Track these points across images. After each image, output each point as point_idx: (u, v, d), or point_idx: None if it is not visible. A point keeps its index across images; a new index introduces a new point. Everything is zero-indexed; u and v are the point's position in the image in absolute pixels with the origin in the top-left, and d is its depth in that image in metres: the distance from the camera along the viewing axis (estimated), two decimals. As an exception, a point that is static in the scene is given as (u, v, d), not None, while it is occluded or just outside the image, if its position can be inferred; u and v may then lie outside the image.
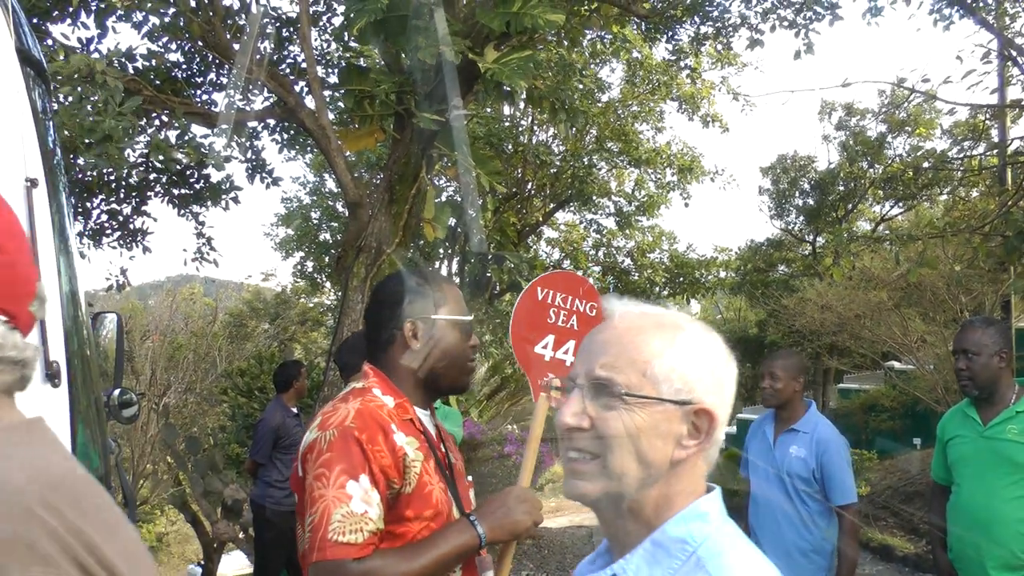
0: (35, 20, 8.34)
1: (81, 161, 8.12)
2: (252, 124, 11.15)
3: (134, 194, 10.62)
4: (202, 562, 14.68)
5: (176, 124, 9.29)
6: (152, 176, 10.55)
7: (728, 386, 1.53)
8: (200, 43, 9.65)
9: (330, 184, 21.01)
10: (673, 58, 15.65)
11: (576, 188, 18.61)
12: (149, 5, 8.57)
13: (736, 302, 28.97)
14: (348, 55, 11.55)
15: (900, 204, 23.62)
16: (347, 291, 8.77)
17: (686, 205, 21.62)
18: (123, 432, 20.92)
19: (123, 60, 9.21)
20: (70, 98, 6.70)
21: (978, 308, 13.97)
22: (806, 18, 11.60)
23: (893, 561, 12.26)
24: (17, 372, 1.46)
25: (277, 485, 8.08)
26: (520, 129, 19.03)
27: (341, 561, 2.19)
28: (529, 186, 19.72)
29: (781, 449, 4.93)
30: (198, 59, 10.62)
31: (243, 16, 9.71)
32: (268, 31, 10.40)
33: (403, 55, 8.68)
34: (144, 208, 10.91)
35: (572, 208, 21.61)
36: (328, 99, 11.12)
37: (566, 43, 11.48)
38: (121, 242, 10.93)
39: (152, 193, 10.87)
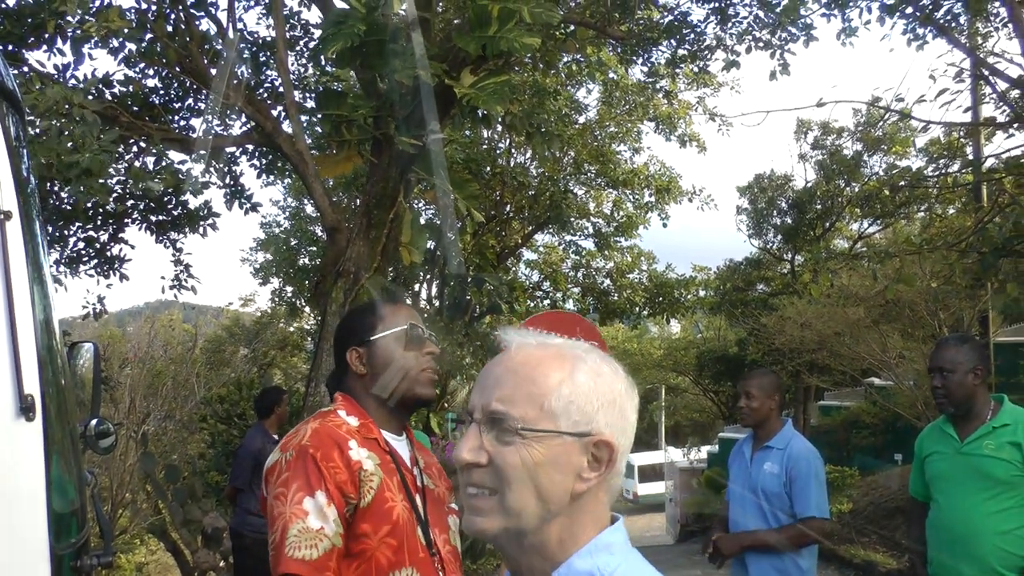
0: (10, 47, 8.30)
1: (59, 190, 8.08)
2: (230, 149, 11.13)
3: (111, 221, 10.55)
4: (183, 592, 14.59)
5: (154, 150, 9.27)
6: (130, 203, 10.50)
7: (629, 415, 1.52)
8: (177, 69, 9.64)
9: (309, 209, 21.00)
10: (649, 80, 15.73)
11: (554, 210, 18.66)
12: (126, 32, 8.53)
13: (716, 321, 29.01)
14: (325, 79, 11.56)
15: (877, 222, 23.75)
16: (326, 316, 8.74)
17: (664, 225, 21.58)
18: (101, 462, 20.78)
19: (100, 87, 9.18)
20: (47, 131, 6.66)
21: (956, 324, 14.05)
22: (781, 39, 11.70)
23: (876, 577, 12.27)
24: None
25: (257, 513, 7.98)
26: (498, 152, 19.06)
27: None
28: (508, 208, 19.76)
29: (756, 467, 4.93)
30: (176, 84, 10.59)
31: (220, 41, 9.71)
32: (245, 56, 10.40)
33: (380, 79, 8.69)
34: (121, 235, 10.83)
35: (551, 230, 21.67)
36: (306, 124, 11.12)
37: (542, 66, 11.53)
38: (98, 270, 10.85)
39: (129, 220, 10.78)
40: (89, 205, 9.86)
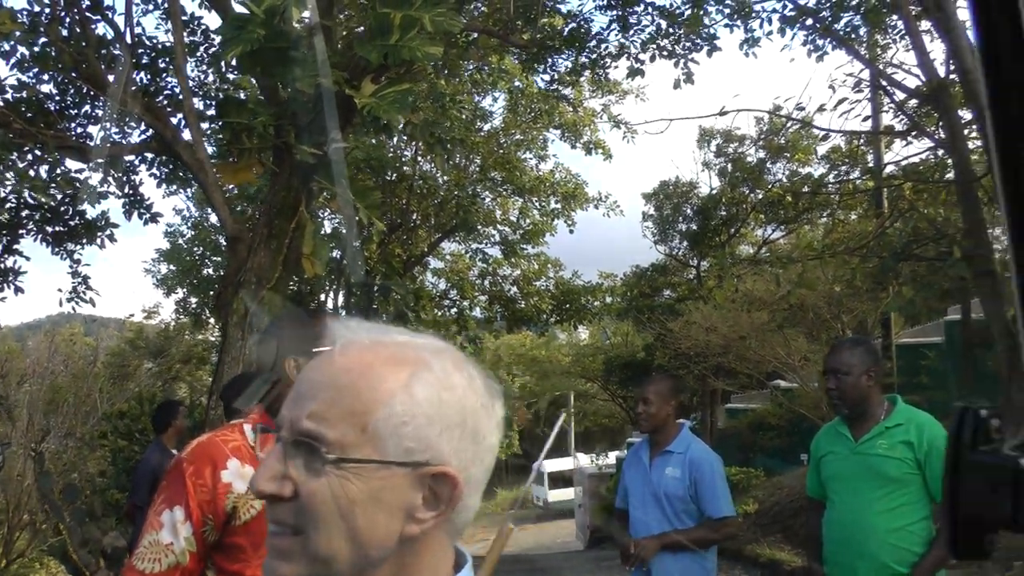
0: None
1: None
2: (129, 158, 10.91)
3: (4, 232, 10.29)
4: (85, 616, 14.26)
5: (49, 158, 9.07)
6: (24, 213, 10.26)
7: (487, 437, 1.23)
8: (73, 74, 9.44)
9: (213, 219, 20.72)
10: (552, 87, 15.82)
11: (461, 218, 18.65)
12: (18, 35, 8.36)
13: (623, 327, 29.18)
14: (226, 87, 11.42)
15: (781, 228, 24.11)
16: (227, 327, 8.63)
17: (571, 232, 21.69)
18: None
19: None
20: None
21: (859, 326, 14.35)
22: (685, 48, 11.86)
23: (781, 575, 12.46)
24: None
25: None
26: (404, 159, 19.01)
27: None
28: (414, 216, 19.72)
29: (656, 471, 4.99)
30: (72, 90, 10.36)
31: (117, 46, 9.53)
32: (143, 61, 10.22)
33: (281, 87, 8.61)
34: (16, 247, 10.58)
35: (457, 238, 21.67)
36: (207, 132, 10.97)
37: (445, 73, 11.54)
38: (-8, 281, 10.59)
39: (24, 231, 10.54)
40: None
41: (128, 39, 9.57)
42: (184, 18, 10.39)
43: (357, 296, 17.35)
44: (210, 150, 10.17)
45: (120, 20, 9.74)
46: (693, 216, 24.67)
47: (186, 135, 9.24)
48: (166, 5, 10.70)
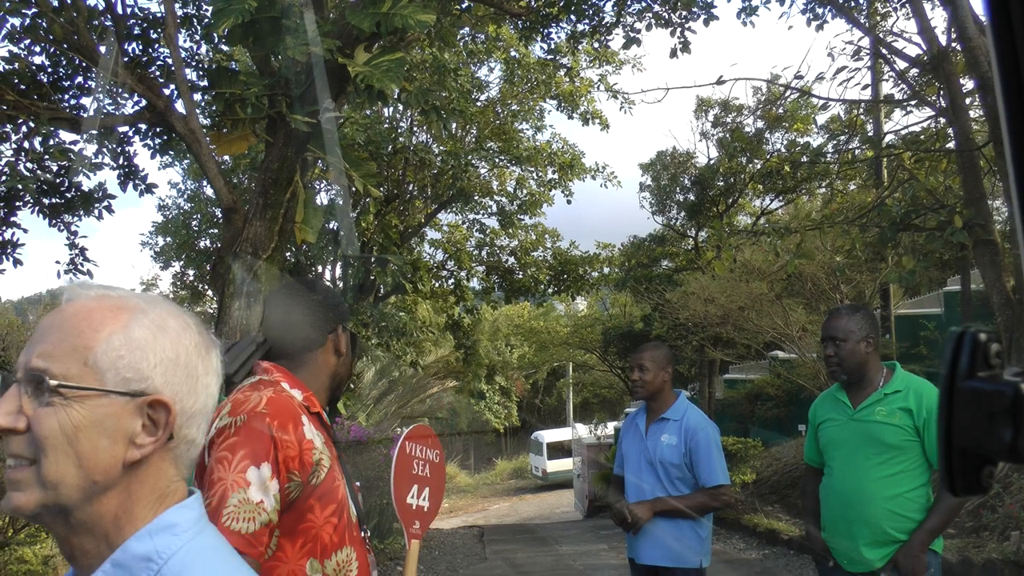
0: None
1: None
2: (122, 129, 10.86)
3: (1, 204, 10.27)
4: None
5: (42, 130, 9.01)
6: (20, 185, 10.23)
7: (202, 376, 1.37)
8: (64, 46, 9.36)
9: (209, 191, 20.67)
10: (550, 57, 15.74)
11: (457, 188, 18.59)
12: (8, 5, 8.30)
13: (621, 298, 29.20)
14: (218, 57, 11.35)
15: (780, 198, 24.07)
16: (224, 298, 8.61)
17: (568, 203, 21.62)
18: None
19: (-18, 64, 8.91)
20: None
21: (858, 297, 14.37)
22: (681, 17, 11.77)
23: (778, 544, 12.52)
24: None
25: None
26: (400, 131, 18.94)
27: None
28: (411, 187, 19.66)
29: (652, 439, 5.00)
30: (64, 62, 10.29)
31: (108, 17, 9.45)
32: (135, 32, 10.15)
33: (274, 57, 8.56)
34: (13, 219, 10.55)
35: (454, 209, 21.61)
36: (199, 102, 10.90)
37: (439, 43, 11.45)
38: (-11, 253, 10.57)
39: (21, 203, 10.52)
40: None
41: (119, 9, 9.49)
42: (177, -12, 10.32)
43: (354, 267, 17.34)
44: (203, 121, 10.13)
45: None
46: (691, 186, 24.62)
47: (179, 106, 9.18)
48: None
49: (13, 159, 9.63)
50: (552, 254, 22.57)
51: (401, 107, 17.49)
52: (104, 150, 10.72)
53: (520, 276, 22.03)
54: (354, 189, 9.24)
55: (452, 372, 31.37)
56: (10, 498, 1.26)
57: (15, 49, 9.71)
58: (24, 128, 9.68)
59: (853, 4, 11.82)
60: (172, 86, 9.67)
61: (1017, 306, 9.38)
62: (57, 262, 10.97)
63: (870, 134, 14.46)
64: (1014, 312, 9.34)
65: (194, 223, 22.19)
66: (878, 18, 12.74)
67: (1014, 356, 9.06)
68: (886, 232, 9.77)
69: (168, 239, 22.80)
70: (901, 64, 11.60)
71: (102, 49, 9.09)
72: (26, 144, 9.80)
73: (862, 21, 11.74)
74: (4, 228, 10.51)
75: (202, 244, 21.85)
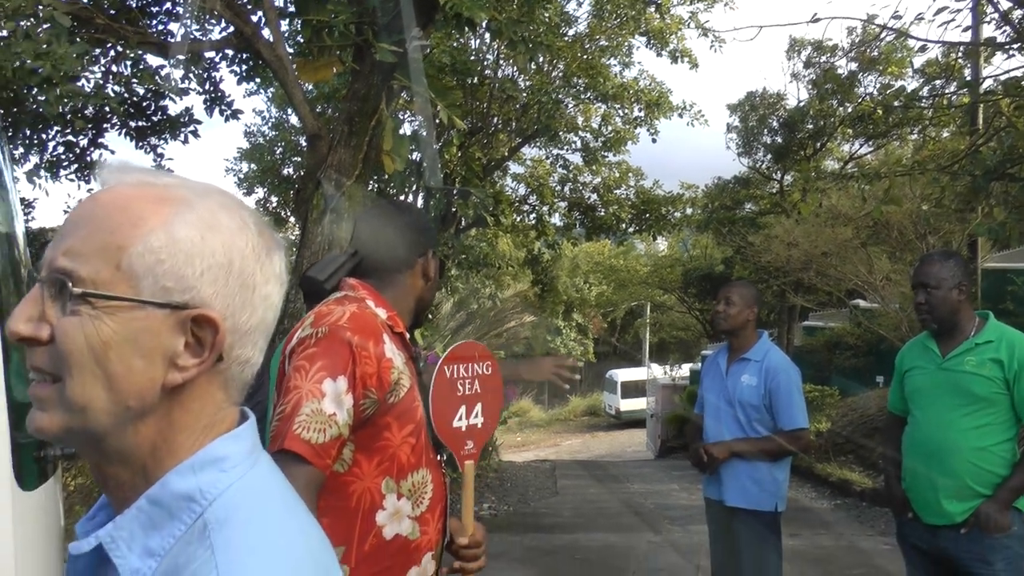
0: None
1: (36, 93, 7.91)
2: (209, 55, 10.96)
3: (90, 126, 10.42)
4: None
5: (131, 54, 9.09)
6: (108, 108, 10.38)
7: (262, 287, 1.16)
8: (154, -29, 9.42)
9: (293, 120, 20.77)
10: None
11: (542, 123, 18.43)
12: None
13: (703, 240, 28.98)
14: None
15: (869, 143, 23.63)
16: (307, 224, 8.66)
17: (653, 141, 21.31)
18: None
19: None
20: (13, 33, 6.50)
21: (945, 247, 14.05)
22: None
23: (851, 496, 12.44)
24: None
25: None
26: (486, 63, 18.82)
27: (297, 456, 2.11)
28: (495, 120, 19.55)
29: (733, 378, 4.95)
30: (153, -13, 10.40)
31: (199, -57, 9.47)
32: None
33: (361, -17, 8.51)
34: (101, 140, 10.72)
35: (538, 143, 21.47)
36: (287, 30, 10.92)
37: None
38: (79, 175, 10.75)
39: (109, 125, 10.68)
40: (67, 109, 9.75)
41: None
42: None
43: (437, 199, 17.36)
44: (289, 49, 10.14)
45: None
46: (779, 129, 24.28)
47: (266, 32, 9.19)
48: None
49: (101, 82, 9.73)
50: (635, 193, 22.35)
51: (488, 38, 17.32)
52: (191, 75, 10.82)
53: (602, 213, 21.86)
54: (438, 121, 9.21)
55: (529, 307, 31.42)
56: (32, 417, 1.09)
57: (106, -27, 9.80)
58: (113, 52, 9.78)
59: (956, -61, 11.40)
60: (260, 12, 9.68)
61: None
62: (143, 184, 11.13)
63: (968, 78, 14.03)
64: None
65: (278, 150, 22.35)
66: (983, -46, 12.30)
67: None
68: (978, 181, 9.48)
69: (252, 166, 23.01)
70: (1005, 4, 11.20)
71: (191, -26, 9.13)
72: (114, 68, 9.91)
73: (965, -43, 11.33)
74: (92, 149, 10.69)
75: (285, 172, 22.04)
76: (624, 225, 22.11)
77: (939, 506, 4.09)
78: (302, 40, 9.55)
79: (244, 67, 11.74)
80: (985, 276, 14.93)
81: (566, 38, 18.85)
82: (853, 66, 21.74)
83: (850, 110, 22.20)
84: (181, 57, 9.66)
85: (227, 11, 8.84)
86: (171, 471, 1.09)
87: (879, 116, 19.55)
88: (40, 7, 6.55)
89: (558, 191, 22.41)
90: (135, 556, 1.06)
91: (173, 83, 9.81)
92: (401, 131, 9.73)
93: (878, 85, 21.47)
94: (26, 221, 11.12)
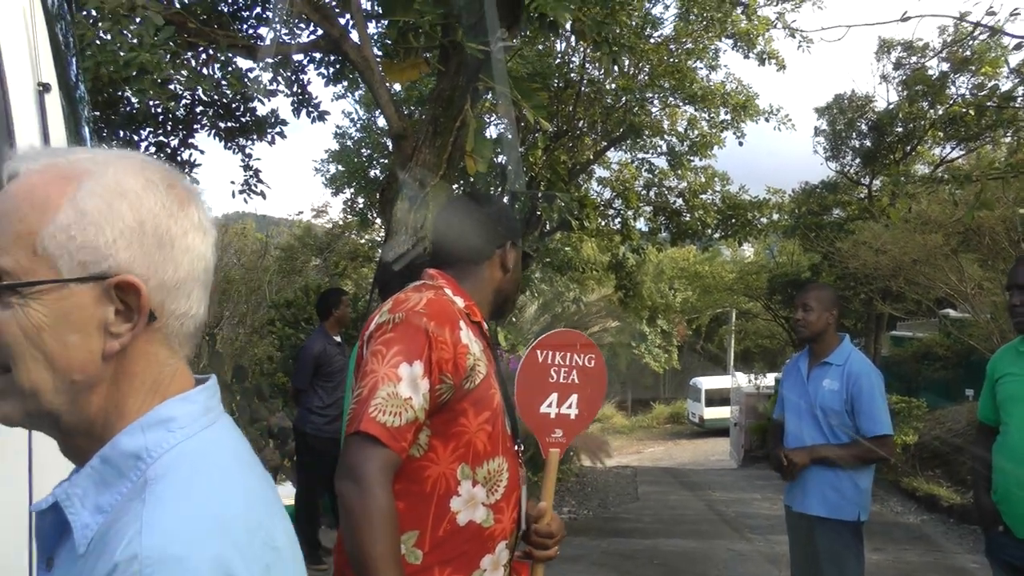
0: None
1: (129, 96, 8.10)
2: (297, 57, 11.13)
3: (180, 127, 10.66)
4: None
5: (221, 57, 9.26)
6: (199, 109, 10.59)
7: (178, 239, 1.17)
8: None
9: (381, 122, 20.98)
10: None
11: (628, 125, 18.37)
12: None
13: (789, 245, 28.62)
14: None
15: (961, 146, 23.13)
16: (391, 223, 8.74)
17: (740, 145, 21.16)
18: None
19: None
20: (110, 33, 6.67)
21: (1037, 255, 13.72)
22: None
23: (938, 511, 12.18)
24: None
25: (318, 412, 8.17)
26: (572, 65, 18.81)
27: (373, 439, 2.16)
28: (580, 123, 19.53)
29: (814, 383, 4.86)
30: (243, -7, 10.58)
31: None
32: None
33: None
34: (191, 141, 10.95)
35: (624, 147, 21.40)
36: (374, 32, 11.04)
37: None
38: (170, 174, 10.98)
39: (199, 126, 10.92)
40: (159, 110, 9.97)
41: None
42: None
43: (521, 202, 17.39)
44: (376, 50, 10.24)
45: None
46: (867, 132, 23.89)
47: (353, 35, 9.29)
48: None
49: (192, 83, 9.95)
50: (721, 197, 22.18)
51: (573, 40, 17.30)
52: (279, 77, 11.02)
53: (687, 218, 21.73)
54: (523, 124, 9.22)
55: (614, 311, 31.32)
56: None
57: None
58: (203, 55, 9.97)
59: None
60: (347, 15, 9.79)
61: None
62: (232, 182, 11.33)
63: (1067, 78, 13.68)
64: None
65: (365, 152, 22.60)
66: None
67: None
68: (1076, 184, 9.26)
69: (340, 167, 23.30)
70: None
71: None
72: (205, 70, 10.11)
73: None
74: (182, 149, 10.92)
75: (372, 173, 22.28)
76: (709, 230, 21.97)
77: (1032, 519, 3.98)
78: (389, 42, 9.64)
79: (331, 69, 11.90)
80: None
81: (652, 40, 18.76)
82: (945, 66, 21.30)
83: (941, 112, 21.75)
84: (270, 60, 9.81)
85: (315, 14, 8.95)
86: (122, 431, 1.13)
87: (971, 118, 19.18)
88: (134, 9, 6.71)
89: (643, 195, 22.31)
90: (87, 512, 1.11)
91: (261, 85, 9.97)
92: (486, 133, 9.77)
93: (971, 85, 21.03)
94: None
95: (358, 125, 22.83)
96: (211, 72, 10.07)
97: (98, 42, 6.61)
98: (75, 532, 1.10)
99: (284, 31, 10.29)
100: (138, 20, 6.68)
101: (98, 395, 1.13)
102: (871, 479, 4.84)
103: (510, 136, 11.81)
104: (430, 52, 8.91)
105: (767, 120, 20.92)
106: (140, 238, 1.13)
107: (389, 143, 17.27)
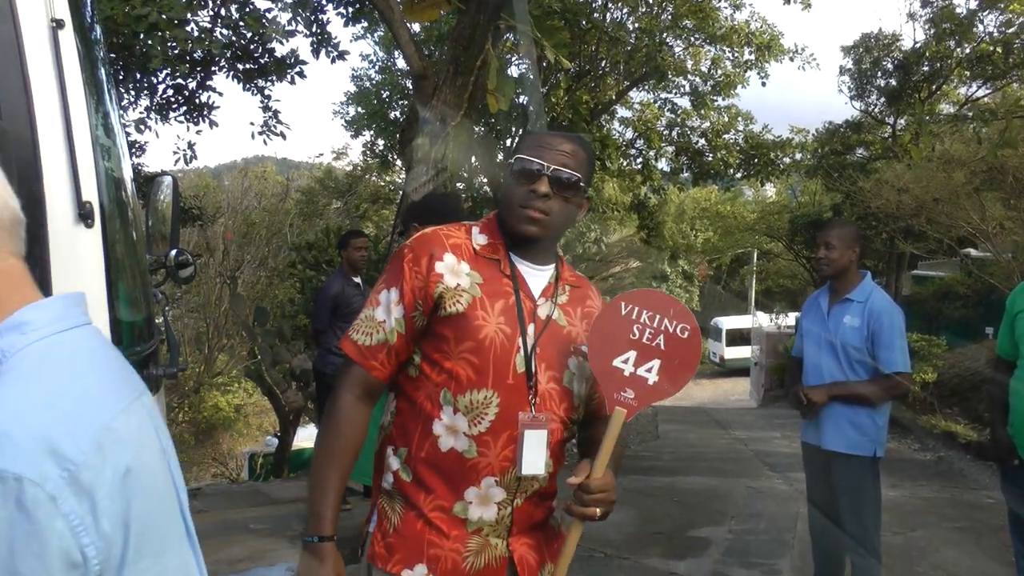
0: None
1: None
2: (316, -3, 11.06)
3: (198, 69, 10.63)
4: (278, 434, 15.12)
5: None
6: (216, 50, 10.57)
7: None
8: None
9: (400, 63, 20.89)
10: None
11: (651, 66, 18.21)
12: None
13: (811, 185, 28.45)
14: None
15: (987, 85, 22.85)
16: (411, 164, 8.73)
17: (763, 85, 20.96)
18: (198, 307, 21.56)
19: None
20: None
21: (1061, 194, 13.62)
22: None
23: (955, 448, 12.20)
24: None
25: (338, 352, 8.21)
26: (595, 5, 18.62)
27: (346, 355, 2.41)
28: (603, 63, 19.38)
29: (835, 319, 4.85)
30: (263, -71, 10.50)
31: None
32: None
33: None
34: (209, 83, 10.94)
35: (646, 87, 21.25)
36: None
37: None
38: (187, 116, 10.99)
39: (216, 68, 10.88)
40: (175, 52, 9.94)
41: None
42: None
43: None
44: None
45: None
46: (893, 71, 23.61)
47: (374, -28, 9.23)
48: None
49: (210, 25, 9.91)
50: (744, 137, 22.02)
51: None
52: (298, 17, 10.94)
53: (710, 159, 21.60)
54: (544, 63, 9.17)
55: (635, 252, 31.27)
56: None
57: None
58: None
59: None
60: (367, -47, 9.73)
61: None
62: (251, 123, 11.33)
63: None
64: None
65: (385, 94, 22.51)
66: None
67: None
68: (1103, 122, 9.16)
69: (360, 109, 23.22)
70: None
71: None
72: (222, 11, 10.07)
73: None
74: (200, 91, 10.91)
75: (392, 115, 22.20)
76: (732, 170, 21.85)
77: (1048, 452, 3.99)
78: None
79: (351, 9, 11.82)
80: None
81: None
82: (973, 4, 21.02)
83: (968, 51, 21.48)
84: (288, 0, 9.76)
85: (335, -48, 8.91)
86: None
87: (999, 56, 18.93)
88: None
89: (665, 135, 22.18)
90: None
91: (280, 26, 9.93)
92: (508, 72, 9.70)
93: (998, 23, 20.75)
94: (136, 166, 11.44)
95: (377, 67, 22.73)
96: (228, 12, 10.05)
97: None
98: None
99: (303, -30, 10.23)
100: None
101: None
102: (888, 415, 4.85)
103: (531, 76, 11.72)
104: (450, -10, 8.83)
105: (791, 60, 20.71)
106: None
107: (409, 84, 17.21)
